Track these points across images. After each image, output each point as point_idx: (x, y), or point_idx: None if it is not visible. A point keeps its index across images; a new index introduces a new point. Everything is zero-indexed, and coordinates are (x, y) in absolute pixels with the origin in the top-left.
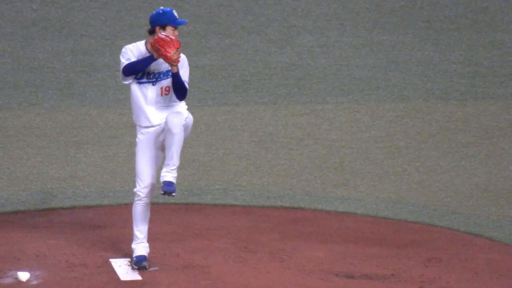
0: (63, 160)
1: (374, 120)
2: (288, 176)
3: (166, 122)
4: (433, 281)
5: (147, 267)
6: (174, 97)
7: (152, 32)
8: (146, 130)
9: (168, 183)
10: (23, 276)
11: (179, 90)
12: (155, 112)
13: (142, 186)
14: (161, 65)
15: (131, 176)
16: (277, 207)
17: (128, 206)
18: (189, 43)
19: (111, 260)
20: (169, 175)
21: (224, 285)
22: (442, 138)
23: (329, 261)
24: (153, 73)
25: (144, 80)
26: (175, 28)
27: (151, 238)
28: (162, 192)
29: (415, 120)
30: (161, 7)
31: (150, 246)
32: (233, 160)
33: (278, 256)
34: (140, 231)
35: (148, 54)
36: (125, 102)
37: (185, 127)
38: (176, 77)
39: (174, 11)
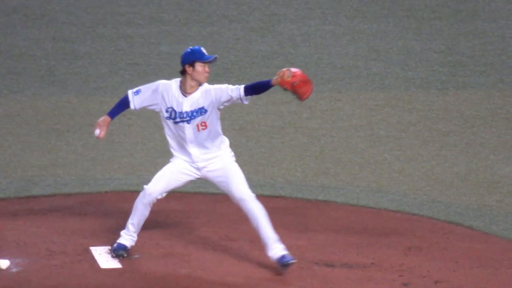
0: (44, 148)
1: (354, 108)
2: (269, 164)
3: (232, 193)
4: (413, 270)
5: (124, 255)
6: (213, 131)
7: (182, 72)
8: (185, 161)
9: (281, 257)
10: (3, 263)
11: (259, 90)
12: (197, 150)
13: (151, 189)
14: (193, 104)
15: (112, 164)
16: (258, 195)
17: (109, 194)
18: (170, 32)
19: (91, 248)
20: (275, 251)
21: (204, 273)
22: (423, 127)
23: (309, 250)
24: (186, 112)
25: (178, 120)
26: (205, 63)
27: None
28: (280, 265)
29: (395, 109)
30: (190, 47)
31: None
32: None
33: (259, 245)
34: (133, 224)
35: (180, 95)
36: (106, 90)
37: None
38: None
39: (202, 48)
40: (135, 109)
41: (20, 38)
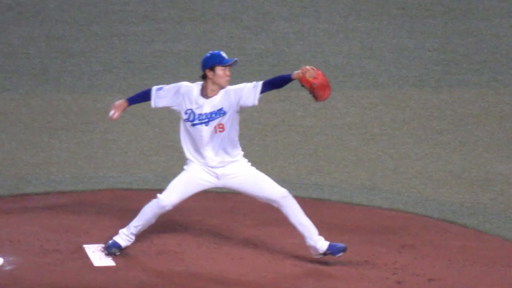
0: (37, 146)
1: (348, 107)
2: (262, 162)
3: (270, 195)
4: (406, 268)
5: (116, 254)
6: (230, 136)
7: (204, 77)
8: (199, 166)
9: (332, 246)
10: None
11: (279, 84)
12: (212, 153)
13: (164, 201)
14: (213, 106)
15: (105, 162)
16: None
17: (102, 192)
18: (164, 29)
19: (84, 246)
20: (322, 242)
21: (198, 271)
22: (417, 125)
23: (302, 248)
24: (205, 113)
25: (197, 121)
26: (225, 67)
27: (124, 224)
28: (335, 253)
29: (389, 107)
30: (210, 51)
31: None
32: None
33: (252, 243)
34: (136, 227)
35: (201, 98)
36: (100, 88)
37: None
38: (287, 82)
39: (221, 52)
40: (155, 108)
41: (13, 36)
